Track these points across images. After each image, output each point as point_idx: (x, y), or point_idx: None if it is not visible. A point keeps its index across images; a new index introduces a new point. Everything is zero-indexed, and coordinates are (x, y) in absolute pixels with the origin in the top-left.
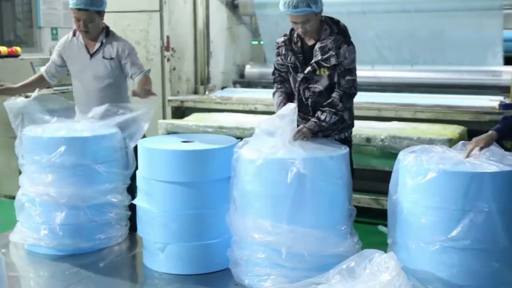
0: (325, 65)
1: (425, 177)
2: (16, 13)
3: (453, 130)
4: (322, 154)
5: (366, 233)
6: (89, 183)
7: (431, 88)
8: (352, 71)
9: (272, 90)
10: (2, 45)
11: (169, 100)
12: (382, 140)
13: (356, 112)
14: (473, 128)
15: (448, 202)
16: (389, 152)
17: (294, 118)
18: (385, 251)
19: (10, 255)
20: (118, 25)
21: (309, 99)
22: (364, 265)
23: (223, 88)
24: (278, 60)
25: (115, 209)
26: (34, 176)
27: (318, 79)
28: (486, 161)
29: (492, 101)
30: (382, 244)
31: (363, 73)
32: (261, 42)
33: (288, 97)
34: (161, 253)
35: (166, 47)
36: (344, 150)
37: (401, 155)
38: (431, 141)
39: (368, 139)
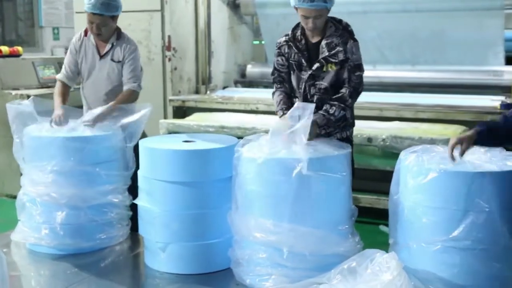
0: (333, 60)
1: (426, 177)
2: (18, 13)
3: (454, 130)
4: (324, 154)
5: (367, 233)
6: (89, 184)
7: (432, 88)
8: (360, 66)
9: (272, 90)
10: (4, 44)
11: (170, 100)
12: (383, 140)
13: (358, 112)
14: None
15: (449, 202)
16: (391, 152)
17: (310, 117)
18: (387, 251)
19: (12, 254)
20: (119, 25)
21: (315, 96)
22: (365, 265)
23: (224, 88)
24: (278, 60)
25: (116, 209)
26: (34, 176)
27: (324, 76)
28: (487, 161)
29: (493, 101)
30: (383, 244)
31: (364, 72)
32: (263, 42)
33: (288, 97)
34: (162, 253)
35: (167, 46)
36: (347, 149)
37: (402, 155)
38: (432, 141)
39: (369, 139)
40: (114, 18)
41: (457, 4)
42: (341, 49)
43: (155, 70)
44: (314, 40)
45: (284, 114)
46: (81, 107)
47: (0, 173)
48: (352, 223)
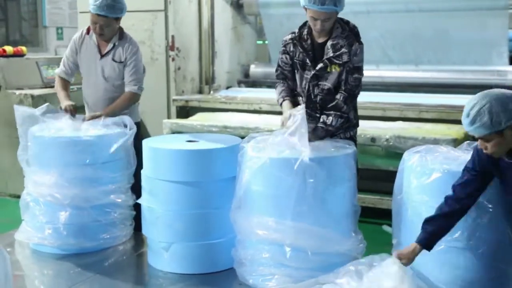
0: (337, 61)
1: (430, 177)
2: (22, 13)
3: (458, 130)
4: (328, 153)
5: (371, 233)
6: (92, 184)
7: (436, 88)
8: (360, 69)
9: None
10: (8, 44)
11: (173, 100)
12: (387, 140)
13: (361, 112)
14: None
15: None
16: (394, 152)
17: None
18: (390, 251)
19: (15, 254)
20: (123, 25)
21: (318, 96)
22: (369, 267)
23: (227, 87)
24: (282, 58)
25: (119, 209)
26: (38, 176)
27: (328, 76)
28: None
29: None
30: (386, 244)
31: (367, 72)
32: (266, 42)
33: (290, 90)
34: (165, 253)
35: (171, 46)
36: (351, 148)
37: (406, 155)
38: (436, 141)
39: (373, 139)
40: (118, 19)
41: (461, 3)
42: (346, 51)
43: (158, 70)
44: (320, 40)
45: (284, 100)
46: (83, 107)
47: (4, 173)
48: (355, 222)
